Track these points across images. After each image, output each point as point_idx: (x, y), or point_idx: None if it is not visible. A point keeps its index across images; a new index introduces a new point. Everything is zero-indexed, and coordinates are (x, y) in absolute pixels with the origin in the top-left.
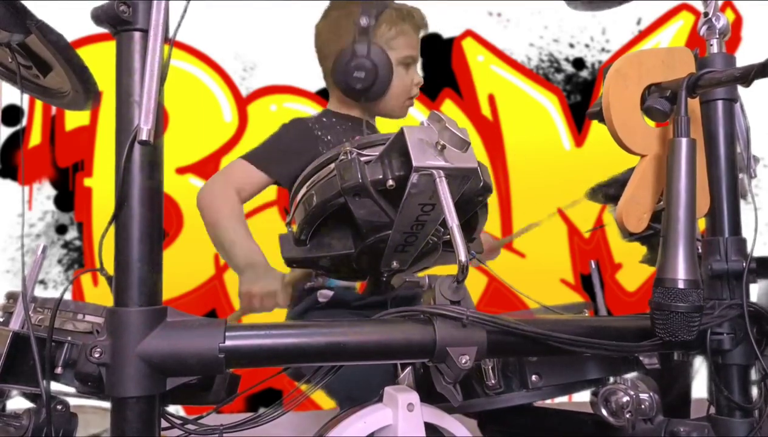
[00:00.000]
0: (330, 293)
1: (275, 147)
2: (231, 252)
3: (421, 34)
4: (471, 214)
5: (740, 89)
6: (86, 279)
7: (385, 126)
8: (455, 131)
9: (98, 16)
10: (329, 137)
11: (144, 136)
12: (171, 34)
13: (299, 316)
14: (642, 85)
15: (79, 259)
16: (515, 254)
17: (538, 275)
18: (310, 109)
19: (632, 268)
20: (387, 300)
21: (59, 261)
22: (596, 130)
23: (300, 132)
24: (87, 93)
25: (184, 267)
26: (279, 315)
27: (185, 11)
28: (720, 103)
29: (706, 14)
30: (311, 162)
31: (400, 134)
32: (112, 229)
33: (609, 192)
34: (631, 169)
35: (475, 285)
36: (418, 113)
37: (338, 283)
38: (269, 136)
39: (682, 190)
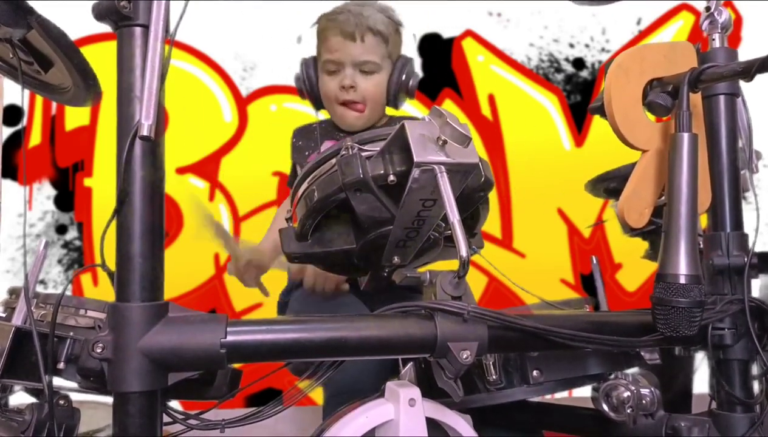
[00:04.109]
0: None
1: None
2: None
3: (358, 30)
4: (472, 209)
5: (742, 84)
6: (86, 279)
7: None
8: (456, 126)
9: (99, 12)
10: (301, 143)
11: (145, 132)
12: (172, 29)
13: (286, 296)
14: (644, 79)
15: (79, 259)
16: (515, 254)
17: (538, 275)
18: (309, 110)
19: (632, 268)
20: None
21: (59, 261)
22: (596, 130)
23: (291, 144)
24: (88, 88)
25: (184, 267)
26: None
27: (186, 6)
28: (722, 98)
29: (708, 8)
30: (295, 172)
31: (401, 129)
32: (113, 225)
33: (610, 186)
34: (633, 164)
35: (476, 284)
36: (418, 113)
37: None
38: None
39: (684, 185)
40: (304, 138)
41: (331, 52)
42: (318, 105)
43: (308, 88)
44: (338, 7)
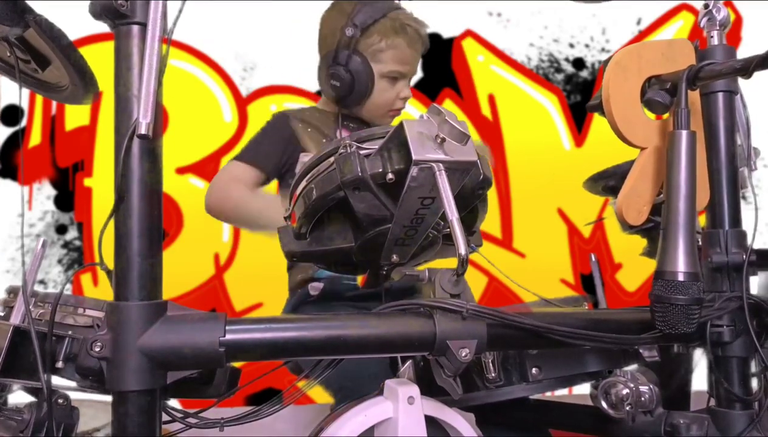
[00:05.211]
0: (320, 285)
1: (260, 142)
2: (267, 218)
3: (420, 48)
4: (471, 207)
5: (741, 81)
6: (87, 279)
7: None
8: (455, 124)
9: (96, 11)
10: (311, 130)
11: (143, 130)
12: (169, 27)
13: (292, 311)
14: (642, 77)
15: (79, 259)
16: (515, 254)
17: (538, 275)
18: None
19: (632, 268)
20: (381, 291)
21: (59, 261)
22: (596, 130)
23: (281, 124)
24: (85, 87)
25: (184, 267)
26: (276, 309)
27: (183, 4)
28: (720, 95)
29: (706, 5)
30: (294, 151)
31: (400, 127)
32: (111, 224)
33: (609, 184)
34: (631, 161)
35: (476, 284)
36: (417, 112)
37: (328, 274)
38: (255, 133)
39: (682, 183)
40: (310, 125)
41: (402, 63)
42: (350, 105)
43: (363, 88)
44: (397, 13)
